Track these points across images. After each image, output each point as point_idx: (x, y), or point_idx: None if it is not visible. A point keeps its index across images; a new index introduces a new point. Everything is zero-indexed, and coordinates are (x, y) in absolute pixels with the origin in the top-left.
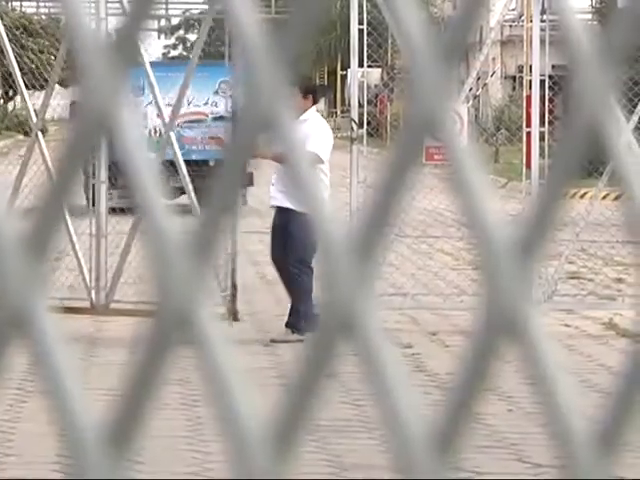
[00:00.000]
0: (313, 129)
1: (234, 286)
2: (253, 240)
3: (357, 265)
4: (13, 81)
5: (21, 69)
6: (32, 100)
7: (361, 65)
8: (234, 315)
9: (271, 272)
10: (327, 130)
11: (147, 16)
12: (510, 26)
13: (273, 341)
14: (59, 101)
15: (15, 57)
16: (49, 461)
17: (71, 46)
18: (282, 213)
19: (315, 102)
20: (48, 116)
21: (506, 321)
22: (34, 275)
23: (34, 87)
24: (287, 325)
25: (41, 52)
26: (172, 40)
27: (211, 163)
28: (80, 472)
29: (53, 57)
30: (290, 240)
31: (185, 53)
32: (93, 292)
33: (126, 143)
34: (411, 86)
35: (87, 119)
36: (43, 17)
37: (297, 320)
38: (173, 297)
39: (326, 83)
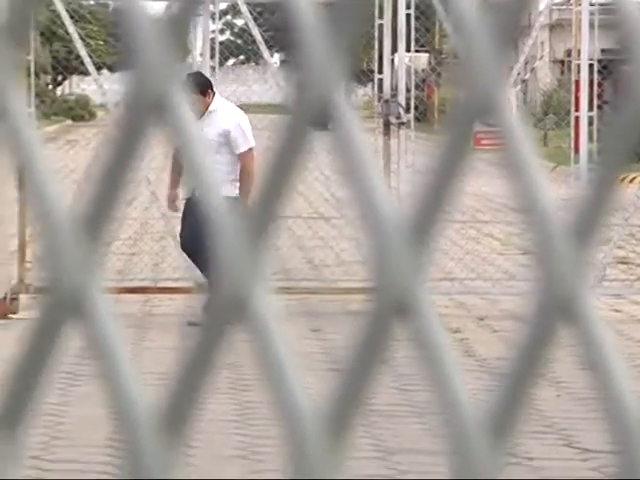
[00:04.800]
0: (228, 116)
1: None
2: (300, 224)
3: (411, 250)
4: (65, 67)
5: (69, 54)
6: (82, 86)
7: (408, 50)
8: None
9: (318, 257)
10: (240, 112)
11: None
12: (559, 10)
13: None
14: (109, 86)
15: (64, 44)
16: (98, 444)
17: (123, 30)
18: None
19: (213, 92)
20: (97, 101)
21: (561, 305)
22: (89, 258)
23: (83, 73)
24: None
25: (90, 37)
26: (219, 25)
27: None
28: (135, 456)
29: (101, 43)
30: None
31: (232, 38)
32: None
33: (182, 126)
34: (464, 69)
35: (141, 103)
36: (92, 2)
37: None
38: (229, 279)
39: (376, 68)
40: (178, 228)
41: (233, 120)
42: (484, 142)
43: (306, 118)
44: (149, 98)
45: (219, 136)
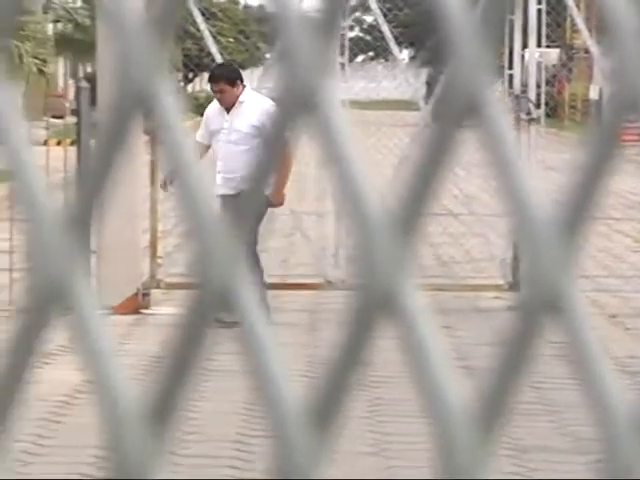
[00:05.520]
0: (259, 107)
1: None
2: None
3: (562, 246)
4: (196, 64)
5: (200, 51)
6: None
7: (539, 45)
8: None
9: (447, 253)
10: (271, 102)
11: None
12: None
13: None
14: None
15: (195, 41)
16: (230, 439)
17: (274, 27)
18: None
19: (243, 83)
20: None
21: None
22: (235, 253)
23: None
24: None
25: (221, 35)
26: (349, 22)
27: None
28: (285, 452)
29: (232, 40)
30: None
31: (362, 35)
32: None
33: (333, 121)
34: (613, 65)
35: (290, 99)
36: (222, 0)
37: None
38: (377, 275)
39: (506, 64)
40: (305, 225)
41: (265, 110)
42: (623, 138)
43: (455, 114)
44: (300, 96)
45: (250, 127)
